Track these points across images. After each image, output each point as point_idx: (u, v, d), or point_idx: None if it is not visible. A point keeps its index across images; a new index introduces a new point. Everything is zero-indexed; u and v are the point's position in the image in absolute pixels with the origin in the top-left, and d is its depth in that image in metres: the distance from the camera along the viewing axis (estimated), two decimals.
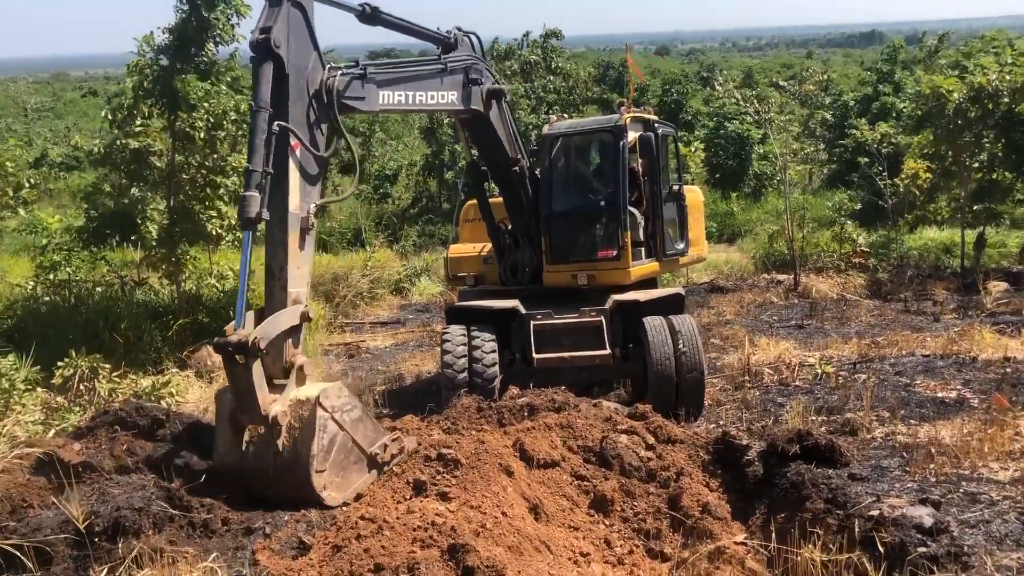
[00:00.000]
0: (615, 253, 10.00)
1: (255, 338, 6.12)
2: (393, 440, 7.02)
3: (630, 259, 10.01)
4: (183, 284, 13.32)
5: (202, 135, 12.20)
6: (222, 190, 12.61)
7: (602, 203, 10.26)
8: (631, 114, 10.55)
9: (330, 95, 7.20)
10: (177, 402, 10.34)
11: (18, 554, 5.20)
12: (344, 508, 6.19)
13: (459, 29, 9.27)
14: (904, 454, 7.12)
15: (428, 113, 9.24)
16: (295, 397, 6.43)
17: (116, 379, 10.24)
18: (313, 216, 6.97)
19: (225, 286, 13.17)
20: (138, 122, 12.92)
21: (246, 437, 6.50)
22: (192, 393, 11.12)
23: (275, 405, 6.27)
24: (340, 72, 7.36)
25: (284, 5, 6.85)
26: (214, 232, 12.65)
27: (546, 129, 10.76)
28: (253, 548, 5.60)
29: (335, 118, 7.28)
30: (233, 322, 6.30)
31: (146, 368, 11.59)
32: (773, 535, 5.56)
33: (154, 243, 12.48)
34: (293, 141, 6.80)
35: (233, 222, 12.70)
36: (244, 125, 12.74)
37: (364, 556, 5.13)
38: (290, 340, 6.61)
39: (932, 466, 6.61)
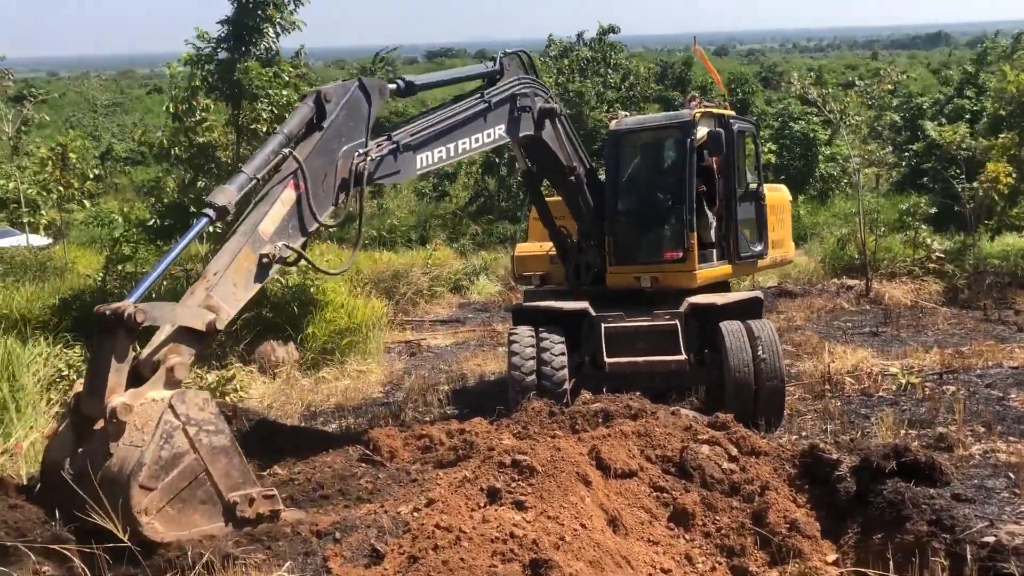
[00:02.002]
0: (681, 255, 9.63)
1: (136, 309, 5.25)
2: (266, 497, 5.71)
3: (696, 261, 9.61)
4: None
5: (265, 128, 12.10)
6: None
7: (668, 202, 9.91)
8: (702, 109, 10.12)
9: (359, 179, 7.10)
10: (241, 397, 10.26)
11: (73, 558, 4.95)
12: (415, 515, 5.93)
13: (505, 52, 9.00)
14: (1010, 474, 6.66)
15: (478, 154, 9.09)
16: (150, 396, 5.35)
17: None
18: (281, 258, 6.48)
19: (289, 281, 13.06)
20: (198, 115, 12.87)
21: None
22: (256, 388, 11.05)
23: (120, 396, 5.19)
24: (372, 153, 7.21)
25: (352, 83, 7.26)
26: None
27: (612, 125, 10.41)
28: (324, 554, 5.38)
29: (360, 204, 7.22)
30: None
31: (211, 363, 11.51)
32: (880, 562, 5.17)
33: (216, 234, 12.40)
34: (296, 182, 6.61)
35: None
36: None
37: (443, 568, 4.87)
38: (181, 343, 5.70)
39: None
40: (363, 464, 7.61)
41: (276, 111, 12.08)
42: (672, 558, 6.32)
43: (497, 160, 26.30)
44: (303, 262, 7.17)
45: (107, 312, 5.22)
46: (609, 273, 9.94)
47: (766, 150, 22.01)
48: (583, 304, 9.56)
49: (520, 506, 6.17)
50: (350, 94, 7.11)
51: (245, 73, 11.76)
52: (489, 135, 8.47)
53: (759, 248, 10.54)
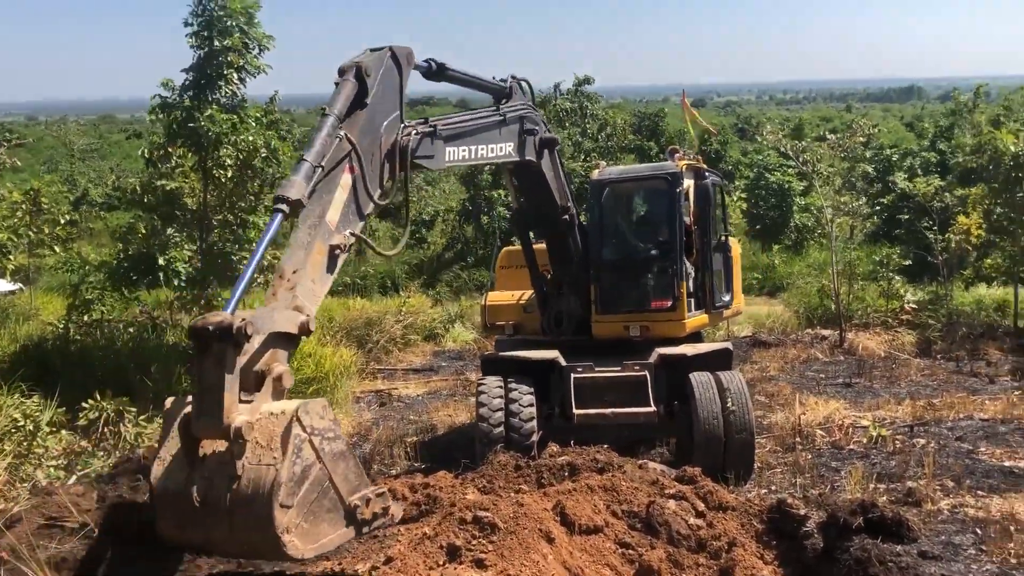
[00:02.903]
0: (670, 304, 9.65)
1: (244, 322, 4.92)
2: (378, 495, 5.58)
3: (685, 310, 9.64)
4: None
5: (229, 174, 12.02)
6: (254, 232, 12.40)
7: (657, 252, 9.92)
8: (685, 162, 10.24)
9: (403, 154, 6.86)
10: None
11: None
12: (374, 573, 5.75)
13: (513, 77, 9.04)
14: (977, 530, 6.58)
15: (488, 165, 8.86)
16: (267, 410, 5.05)
17: (143, 423, 9.94)
18: (349, 244, 6.28)
19: None
20: (173, 162, 12.83)
21: (201, 456, 5.06)
22: None
23: (240, 415, 4.89)
24: (413, 131, 7.03)
25: (384, 52, 6.78)
26: None
27: (596, 175, 10.45)
28: None
29: (406, 176, 6.92)
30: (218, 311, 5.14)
31: None
32: None
33: (182, 284, 12.24)
34: (351, 164, 6.35)
35: (266, 262, 12.48)
36: (276, 164, 12.61)
37: None
38: (279, 348, 5.37)
39: (1011, 545, 6.07)
40: None
41: (242, 157, 12.02)
42: None
43: (473, 208, 26.40)
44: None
45: (210, 328, 4.86)
46: (595, 322, 9.87)
47: (737, 200, 22.17)
48: (553, 354, 9.47)
49: (480, 564, 6.00)
50: (384, 64, 6.76)
51: (209, 120, 11.71)
52: (502, 149, 8.41)
53: (728, 298, 10.59)
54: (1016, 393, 12.17)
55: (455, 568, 5.83)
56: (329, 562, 6.39)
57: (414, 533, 6.72)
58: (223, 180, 12.32)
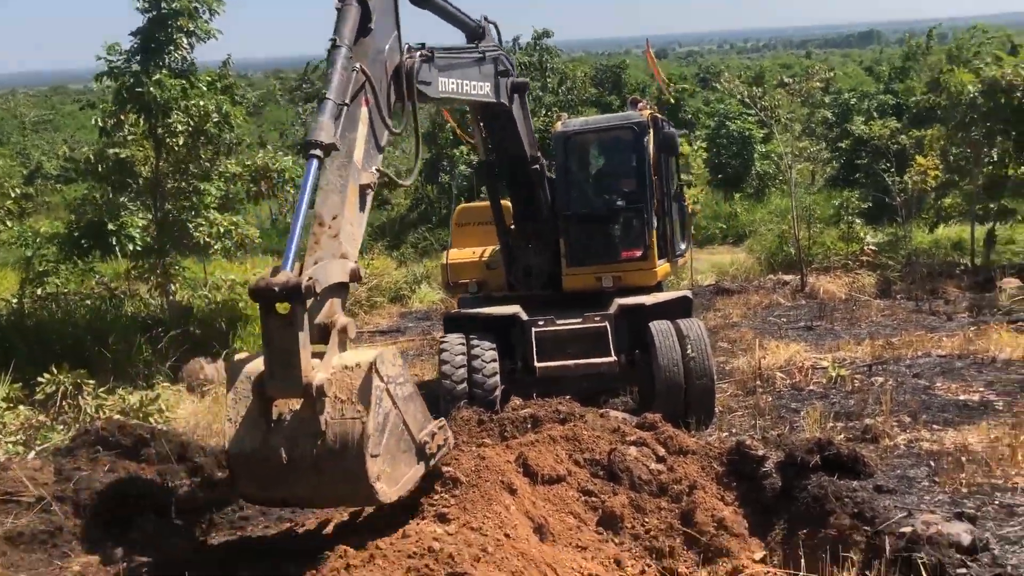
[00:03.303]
0: (641, 253, 9.68)
1: (312, 280, 4.88)
2: (440, 427, 5.87)
3: (656, 259, 9.68)
4: (174, 295, 12.93)
5: (181, 140, 11.81)
6: (209, 198, 12.23)
7: (625, 202, 9.91)
8: (648, 112, 10.19)
9: (409, 77, 6.64)
10: (167, 418, 9.95)
11: None
12: (333, 534, 5.78)
13: (485, 18, 8.86)
14: (931, 463, 6.71)
15: (468, 105, 8.52)
16: (340, 363, 5.07)
17: (103, 395, 9.85)
18: (375, 182, 6.10)
19: (218, 297, 12.78)
20: (125, 131, 12.58)
21: (274, 415, 5.06)
22: (183, 408, 10.73)
23: (318, 372, 4.90)
24: (417, 55, 6.83)
25: None
26: (202, 241, 12.27)
27: (559, 127, 10.35)
28: None
29: (413, 100, 6.69)
30: (269, 270, 5.01)
31: (136, 383, 11.20)
32: (802, 558, 5.15)
33: (136, 251, 12.06)
34: (366, 96, 6.11)
35: (222, 229, 12.34)
36: (229, 129, 12.40)
37: None
38: (335, 298, 5.34)
39: (962, 475, 6.21)
40: None
41: (194, 123, 11.80)
42: (600, 563, 6.22)
43: (436, 168, 26.20)
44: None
45: (276, 288, 4.74)
46: (566, 275, 9.83)
47: (698, 149, 22.20)
48: (514, 309, 9.47)
49: (442, 519, 6.02)
50: None
51: (157, 85, 11.45)
52: (481, 88, 8.23)
53: (684, 246, 10.67)
54: (972, 329, 12.39)
55: (417, 523, 5.85)
56: (292, 523, 6.41)
57: None
58: (175, 147, 12.12)
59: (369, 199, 6.01)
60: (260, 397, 4.95)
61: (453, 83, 7.64)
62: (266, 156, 14.11)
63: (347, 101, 5.77)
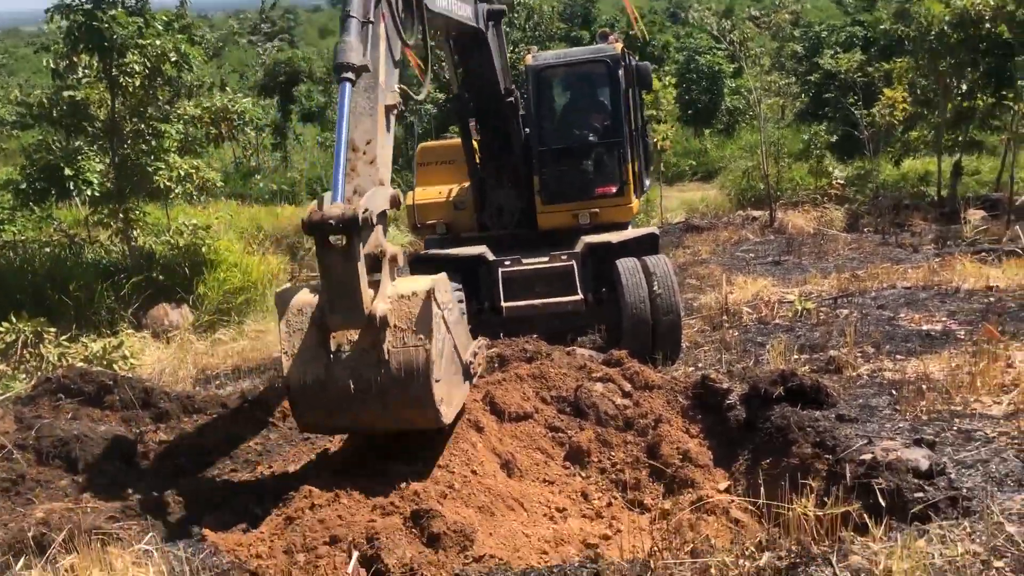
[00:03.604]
0: (617, 188, 9.59)
1: (367, 211, 4.82)
2: (479, 346, 6.07)
3: (632, 194, 9.61)
4: (135, 241, 12.72)
5: (137, 81, 11.48)
6: (168, 141, 11.95)
7: (601, 137, 9.78)
8: (620, 45, 9.99)
9: None
10: (132, 365, 9.86)
11: None
12: (299, 476, 5.77)
13: None
14: (892, 392, 6.79)
15: (450, 29, 8.19)
16: (396, 292, 5.08)
17: (65, 343, 9.72)
18: (398, 102, 5.92)
19: (180, 242, 12.58)
20: (79, 72, 12.22)
21: (332, 347, 5.06)
22: (148, 354, 10.64)
23: (379, 303, 4.90)
24: None
25: None
26: (163, 185, 12.03)
27: (530, 60, 10.04)
28: (202, 522, 5.18)
29: (423, 9, 6.42)
30: (314, 202, 4.94)
31: (99, 330, 11.07)
32: (762, 485, 5.21)
33: (95, 196, 11.80)
34: (382, 11, 5.84)
35: (183, 173, 12.09)
36: (188, 70, 12.07)
37: (319, 527, 4.72)
38: (379, 226, 5.25)
39: (923, 403, 6.28)
40: (254, 426, 7.39)
41: (150, 63, 11.47)
42: (568, 496, 6.29)
43: (404, 108, 25.72)
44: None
45: (332, 221, 4.70)
46: (541, 213, 9.70)
47: (668, 85, 21.97)
48: (481, 249, 9.39)
49: (409, 457, 6.05)
50: None
51: (112, 21, 11.07)
52: (463, 10, 7.92)
53: (648, 181, 10.61)
54: (937, 260, 12.51)
55: (385, 463, 5.86)
56: (260, 466, 6.40)
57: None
58: (131, 88, 11.78)
59: (393, 120, 5.87)
60: (319, 329, 4.95)
61: (444, 0, 7.38)
62: (225, 98, 13.79)
63: (369, 18, 5.59)
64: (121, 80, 11.58)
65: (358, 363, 4.98)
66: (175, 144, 12.20)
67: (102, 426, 7.07)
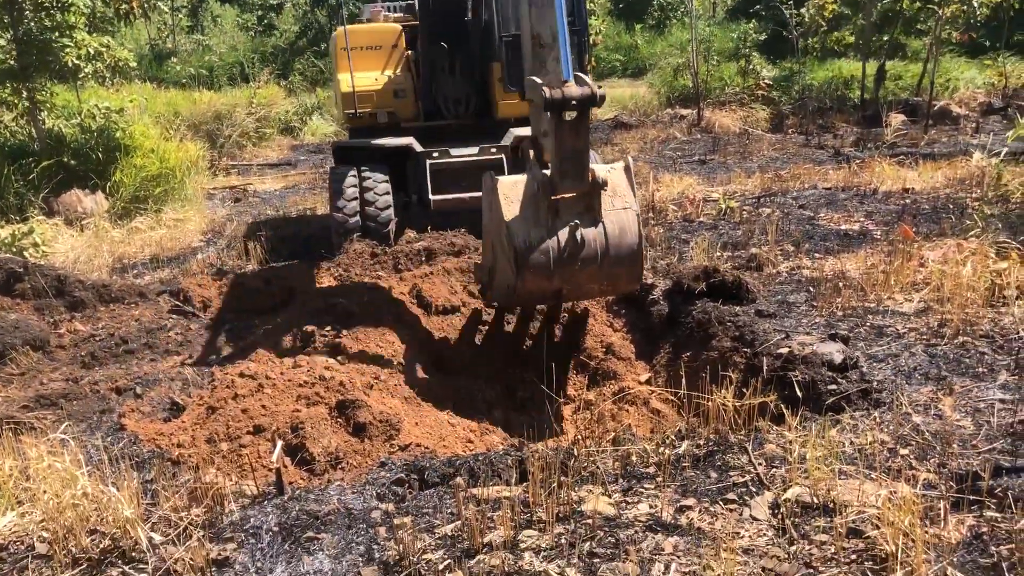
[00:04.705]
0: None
1: (602, 89, 5.39)
2: None
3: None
4: (44, 123, 12.06)
5: None
6: (73, 16, 11.21)
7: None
8: None
9: None
10: (43, 252, 9.49)
11: None
12: (222, 366, 5.69)
13: None
14: (810, 289, 6.96)
15: None
16: (598, 167, 5.67)
17: None
18: None
19: (93, 126, 11.96)
20: None
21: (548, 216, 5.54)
22: (62, 242, 10.23)
23: (596, 168, 5.50)
24: None
25: None
26: (71, 64, 11.34)
27: None
28: (120, 411, 5.08)
29: None
30: (540, 84, 5.31)
31: (8, 216, 10.58)
32: (683, 377, 5.34)
33: None
34: None
35: (92, 51, 11.41)
36: None
37: (242, 417, 4.68)
38: None
39: (839, 300, 6.47)
40: (174, 316, 7.23)
41: None
42: (493, 386, 6.37)
43: None
44: None
45: (575, 100, 5.24)
46: (502, 102, 9.35)
47: None
48: (408, 140, 9.16)
49: (335, 348, 6.01)
50: None
51: None
52: None
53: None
54: (857, 161, 12.73)
55: (309, 354, 5.82)
56: (181, 356, 6.28)
57: (269, 324, 6.65)
58: None
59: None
60: (544, 195, 5.45)
61: None
62: None
63: None
64: None
65: (579, 226, 5.50)
66: (82, 19, 11.46)
67: (13, 315, 6.84)
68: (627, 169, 5.81)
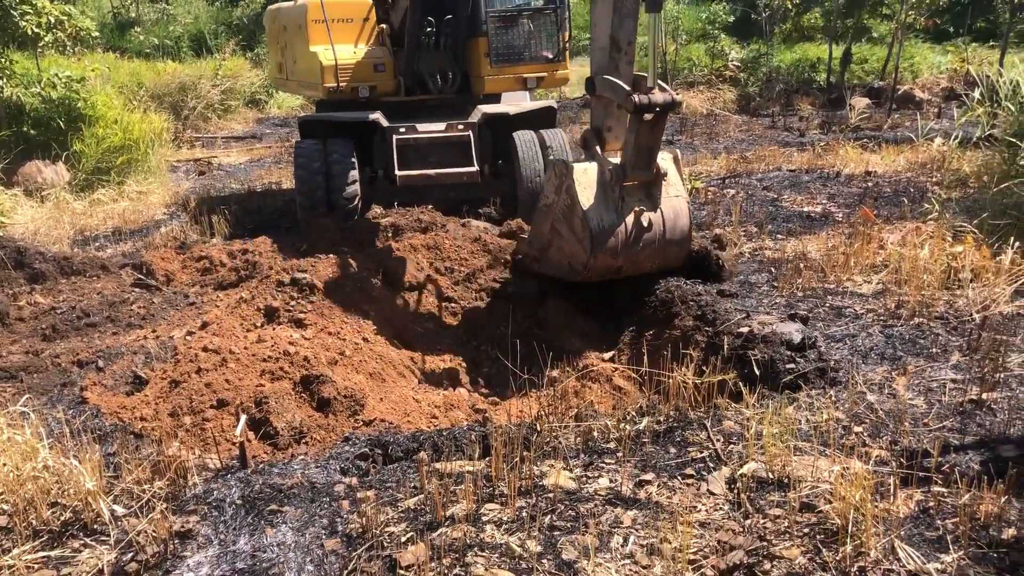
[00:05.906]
0: (555, 54, 9.36)
1: (680, 96, 6.12)
2: None
3: (568, 60, 9.45)
4: (3, 92, 11.81)
5: None
6: None
7: (547, 1, 9.46)
8: None
9: None
10: (2, 223, 9.35)
11: None
12: (186, 339, 5.66)
13: None
14: (772, 269, 7.07)
15: None
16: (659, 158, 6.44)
17: None
18: None
19: (54, 95, 11.75)
20: None
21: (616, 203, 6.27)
22: (21, 213, 10.08)
23: (662, 163, 6.34)
24: None
25: None
26: (31, 31, 11.11)
27: None
28: (82, 384, 5.05)
29: None
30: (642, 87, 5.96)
31: None
32: (645, 355, 5.41)
33: None
34: None
35: (52, 19, 11.20)
36: None
37: (205, 391, 4.68)
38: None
39: (799, 281, 6.58)
40: (136, 289, 7.17)
41: None
42: (459, 364, 6.41)
43: None
44: None
45: (659, 105, 5.90)
46: (489, 77, 9.25)
47: None
48: (375, 115, 9.08)
49: (299, 324, 6.02)
50: None
51: None
52: None
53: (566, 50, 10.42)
54: (821, 144, 12.88)
55: (273, 329, 5.82)
56: (143, 330, 6.24)
57: (231, 298, 6.63)
58: None
59: None
60: (616, 183, 6.19)
61: None
62: None
63: None
64: None
65: (643, 210, 6.26)
66: None
67: None
68: (676, 160, 6.59)
